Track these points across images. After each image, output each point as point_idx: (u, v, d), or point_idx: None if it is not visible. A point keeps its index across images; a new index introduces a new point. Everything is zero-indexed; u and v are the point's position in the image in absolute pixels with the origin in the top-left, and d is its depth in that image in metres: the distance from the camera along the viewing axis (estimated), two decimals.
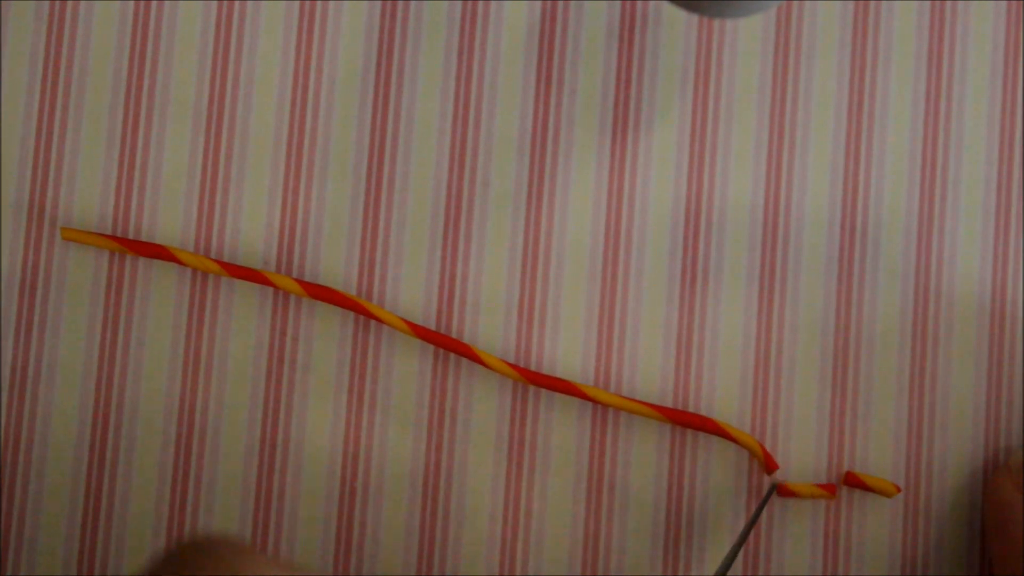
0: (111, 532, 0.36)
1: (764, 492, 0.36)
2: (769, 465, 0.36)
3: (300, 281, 0.36)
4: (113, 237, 0.36)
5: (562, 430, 0.37)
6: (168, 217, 0.37)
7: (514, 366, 0.36)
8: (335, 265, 0.37)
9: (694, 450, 0.37)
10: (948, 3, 0.38)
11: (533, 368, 0.37)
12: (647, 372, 0.37)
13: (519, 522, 0.36)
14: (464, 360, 0.37)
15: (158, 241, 0.37)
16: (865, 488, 0.36)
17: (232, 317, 0.37)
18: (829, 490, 0.36)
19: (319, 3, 0.38)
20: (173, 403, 0.37)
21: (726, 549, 0.36)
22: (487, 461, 0.37)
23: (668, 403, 0.37)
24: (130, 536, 0.36)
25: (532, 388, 0.37)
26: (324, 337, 0.37)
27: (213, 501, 0.36)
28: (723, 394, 0.37)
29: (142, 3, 0.38)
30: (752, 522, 0.34)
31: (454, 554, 0.36)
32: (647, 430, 0.37)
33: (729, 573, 0.36)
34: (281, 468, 0.37)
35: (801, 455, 0.37)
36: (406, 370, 0.37)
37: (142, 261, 0.37)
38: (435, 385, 0.37)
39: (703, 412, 0.37)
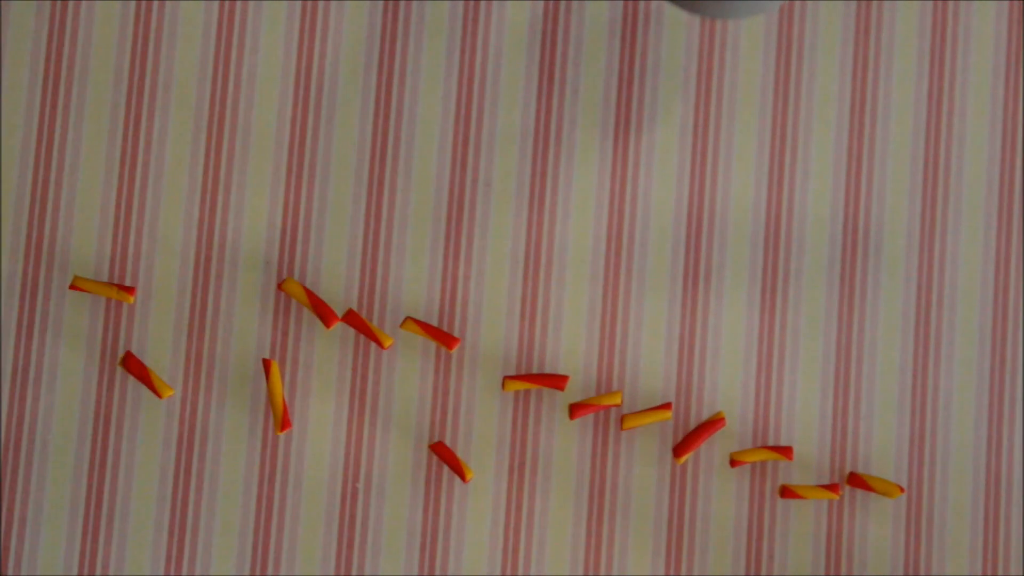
0: (112, 533, 0.36)
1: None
2: (786, 454, 0.36)
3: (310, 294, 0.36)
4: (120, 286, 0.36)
5: (563, 431, 0.37)
6: (169, 216, 0.37)
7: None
8: (336, 264, 0.37)
9: (695, 453, 0.36)
10: (949, 3, 0.38)
11: (535, 368, 0.37)
12: (649, 373, 0.37)
13: (520, 522, 0.36)
14: (466, 360, 0.37)
15: (159, 236, 0.37)
16: (868, 489, 0.36)
17: (233, 318, 0.37)
18: (832, 491, 0.36)
19: (320, 2, 0.38)
20: (174, 404, 0.37)
21: (726, 551, 0.36)
22: (488, 462, 0.36)
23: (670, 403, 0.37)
24: (130, 536, 0.36)
25: (534, 391, 0.36)
26: (325, 337, 0.37)
27: (214, 501, 0.36)
28: (726, 395, 0.37)
29: (143, 3, 0.38)
30: None
31: (454, 554, 0.36)
32: (648, 433, 0.37)
33: (731, 573, 0.36)
34: (283, 468, 0.36)
35: (804, 456, 0.36)
36: (406, 370, 0.37)
37: (143, 262, 0.37)
38: (436, 385, 0.37)
39: (705, 412, 0.37)
